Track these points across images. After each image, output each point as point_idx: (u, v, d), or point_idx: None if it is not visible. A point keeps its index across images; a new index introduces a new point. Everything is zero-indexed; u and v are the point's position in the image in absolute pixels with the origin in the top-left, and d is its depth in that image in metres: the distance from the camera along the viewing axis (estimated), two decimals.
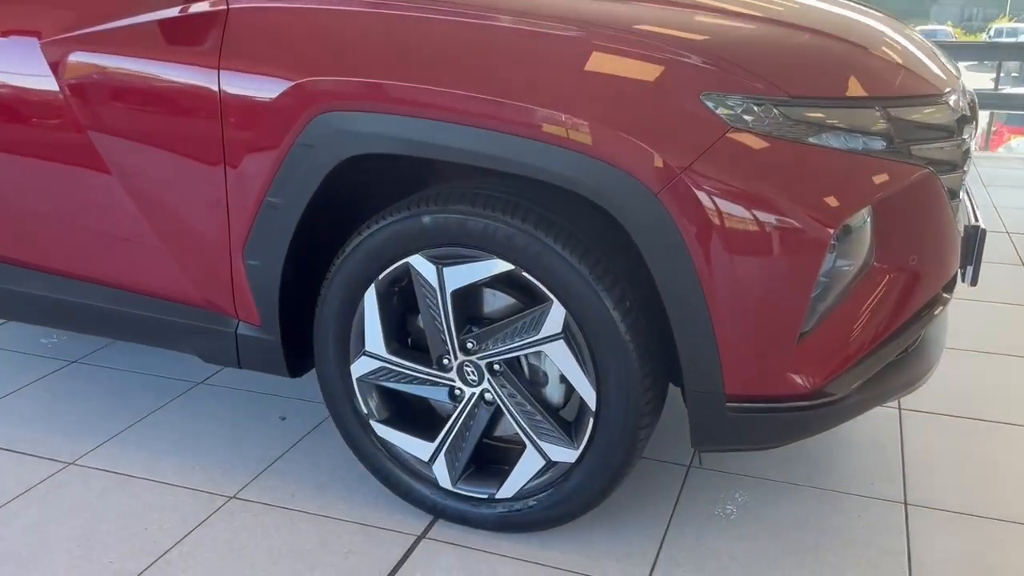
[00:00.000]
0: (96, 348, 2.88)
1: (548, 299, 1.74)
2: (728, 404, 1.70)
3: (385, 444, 1.98)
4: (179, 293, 2.09)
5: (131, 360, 2.80)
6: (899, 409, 2.51)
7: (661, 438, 2.32)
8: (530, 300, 1.79)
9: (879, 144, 1.67)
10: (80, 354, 2.84)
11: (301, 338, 2.04)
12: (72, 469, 2.20)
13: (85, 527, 1.97)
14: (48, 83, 2.03)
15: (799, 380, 1.70)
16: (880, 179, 1.67)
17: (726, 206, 1.59)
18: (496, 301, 1.86)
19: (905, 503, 2.08)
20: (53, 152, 2.09)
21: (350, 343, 1.93)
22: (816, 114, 1.63)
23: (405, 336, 1.95)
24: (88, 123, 2.00)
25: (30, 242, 2.23)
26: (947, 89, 1.85)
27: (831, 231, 1.62)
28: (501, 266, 1.75)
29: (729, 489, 2.13)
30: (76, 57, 1.99)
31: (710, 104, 1.58)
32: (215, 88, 1.86)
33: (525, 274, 1.73)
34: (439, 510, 1.98)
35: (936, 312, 1.91)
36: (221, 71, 1.86)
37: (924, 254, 1.81)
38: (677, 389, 1.86)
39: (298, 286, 1.99)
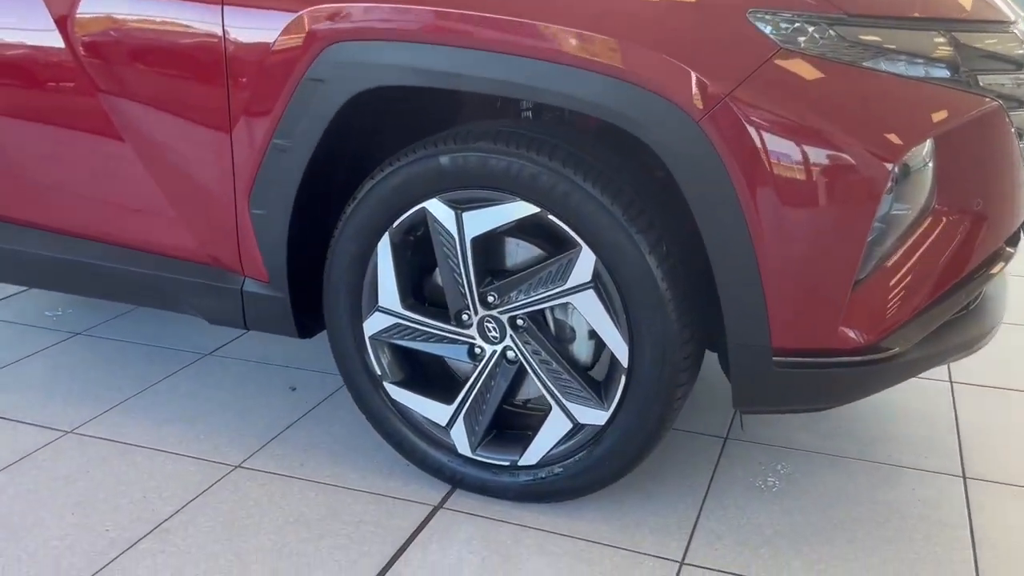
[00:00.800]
0: (102, 320, 2.77)
1: (576, 245, 1.59)
2: (774, 359, 1.55)
3: (399, 407, 1.84)
4: (180, 248, 1.96)
5: (137, 331, 2.69)
6: (950, 382, 2.34)
7: (694, 409, 2.17)
8: (556, 250, 1.65)
9: (943, 72, 1.52)
10: (85, 326, 2.73)
11: (311, 295, 1.90)
12: (70, 437, 2.08)
13: (81, 495, 1.85)
14: (42, 21, 1.91)
15: (852, 333, 1.55)
16: (943, 111, 1.51)
17: (774, 136, 1.44)
18: (519, 252, 1.72)
19: (964, 476, 1.91)
20: (43, 92, 1.97)
21: (362, 299, 1.80)
22: (874, 36, 1.47)
23: (421, 290, 1.82)
24: (83, 63, 1.89)
25: (21, 195, 2.11)
26: (1015, 19, 1.69)
27: (890, 166, 1.46)
28: (525, 209, 1.60)
29: (770, 461, 1.97)
30: None
31: (758, 22, 1.43)
32: (218, 24, 1.74)
33: (551, 217, 1.59)
34: (457, 479, 1.84)
35: (999, 267, 1.75)
36: (225, 6, 1.73)
37: (990, 198, 1.65)
38: (710, 356, 1.72)
39: (308, 238, 1.86)
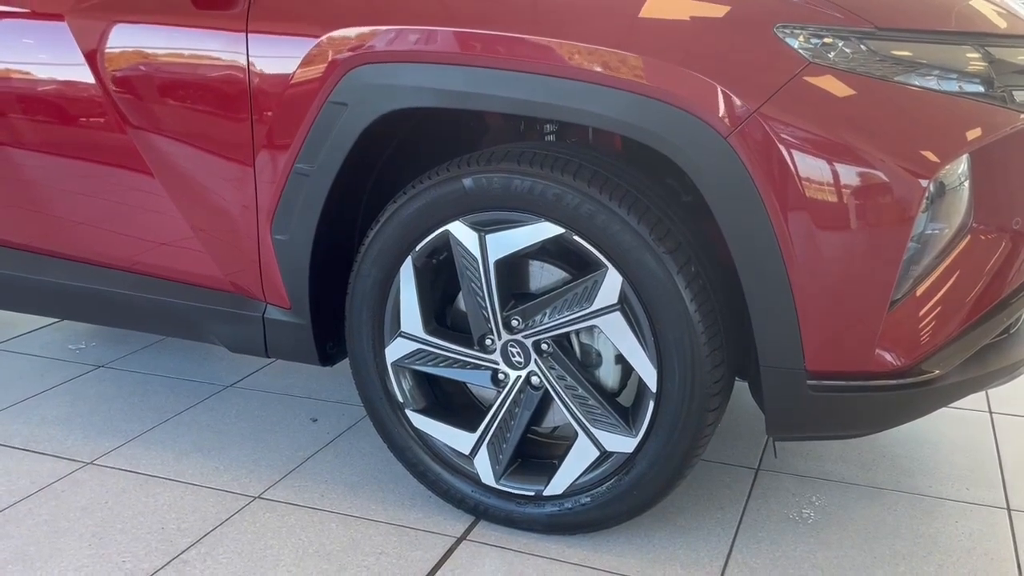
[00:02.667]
0: (124, 354, 2.76)
1: (602, 266, 1.56)
2: (809, 382, 1.50)
3: (421, 436, 1.80)
4: (202, 275, 1.95)
5: (158, 364, 2.67)
6: (989, 412, 2.26)
7: (724, 440, 2.11)
8: (581, 272, 1.62)
9: (977, 87, 1.48)
10: (107, 359, 2.72)
11: (333, 323, 1.88)
12: (90, 469, 2.06)
13: (98, 526, 1.82)
14: (70, 54, 1.93)
15: (889, 356, 1.50)
16: (979, 126, 1.48)
17: (804, 153, 1.41)
18: (544, 275, 1.69)
19: (1008, 508, 1.83)
20: (68, 121, 1.98)
21: (385, 324, 1.77)
22: (906, 50, 1.45)
23: (444, 315, 1.79)
24: (112, 96, 1.90)
25: (44, 225, 2.11)
26: None
27: (925, 184, 1.42)
28: (550, 230, 1.58)
29: (805, 492, 1.90)
30: (98, 25, 1.89)
31: (786, 37, 1.41)
32: (243, 52, 1.74)
33: (577, 238, 1.56)
34: (481, 510, 1.78)
35: None
36: (249, 34, 1.74)
37: None
38: (740, 385, 1.67)
39: (330, 264, 1.84)
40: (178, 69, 1.83)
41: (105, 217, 2.03)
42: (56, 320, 3.04)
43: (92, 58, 1.92)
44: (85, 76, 1.94)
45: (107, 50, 1.90)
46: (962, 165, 1.50)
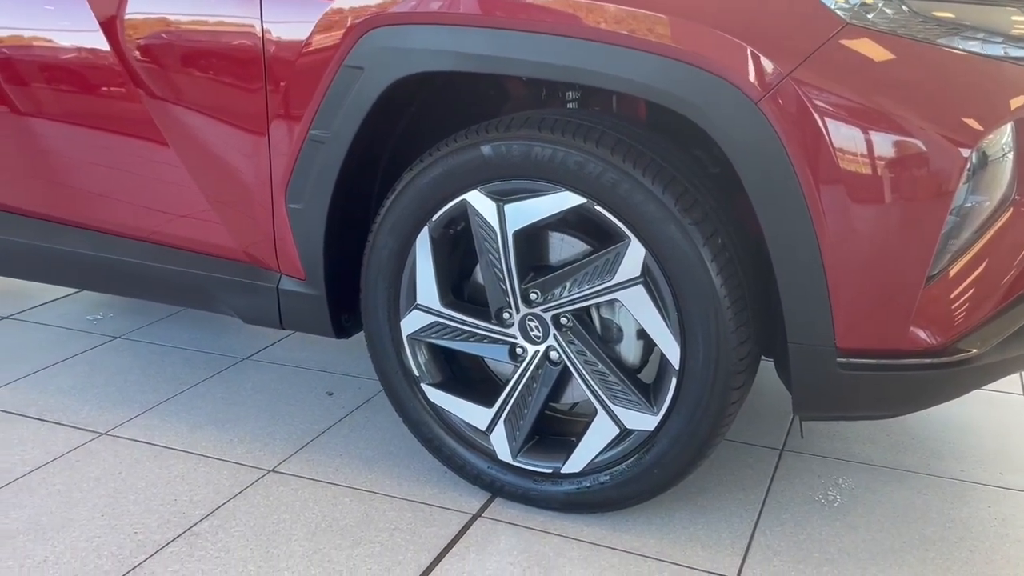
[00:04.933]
0: (140, 325, 2.74)
1: (625, 238, 1.50)
2: (839, 360, 1.44)
3: (437, 410, 1.76)
4: (217, 246, 1.92)
5: (174, 336, 2.65)
6: None
7: (748, 419, 2.06)
8: (603, 244, 1.56)
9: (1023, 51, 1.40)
10: (123, 330, 2.71)
11: (349, 294, 1.84)
12: (104, 439, 2.04)
13: (111, 497, 1.80)
14: (86, 21, 1.89)
15: (924, 334, 1.43)
16: None
17: (839, 119, 1.34)
18: (564, 247, 1.63)
19: None
20: (83, 89, 1.95)
21: (401, 296, 1.73)
22: (949, 11, 1.37)
23: (461, 288, 1.74)
24: (127, 64, 1.86)
25: (61, 194, 2.09)
26: None
27: (966, 153, 1.35)
28: (571, 199, 1.52)
29: (830, 474, 1.85)
30: None
31: None
32: (257, 16, 1.70)
33: (598, 208, 1.50)
34: (497, 487, 1.75)
35: None
36: None
37: None
38: (765, 364, 1.61)
39: (345, 234, 1.80)
40: (193, 36, 1.79)
41: (121, 187, 2.00)
42: (74, 291, 3.04)
43: (107, 25, 1.88)
44: (100, 43, 1.90)
45: (123, 17, 1.86)
46: (1006, 134, 1.42)
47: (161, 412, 2.17)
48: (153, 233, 2.00)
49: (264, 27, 1.69)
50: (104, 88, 1.95)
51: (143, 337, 2.65)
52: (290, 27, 1.67)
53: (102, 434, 2.07)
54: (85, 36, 1.93)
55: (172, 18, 1.81)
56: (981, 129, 1.37)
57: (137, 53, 1.85)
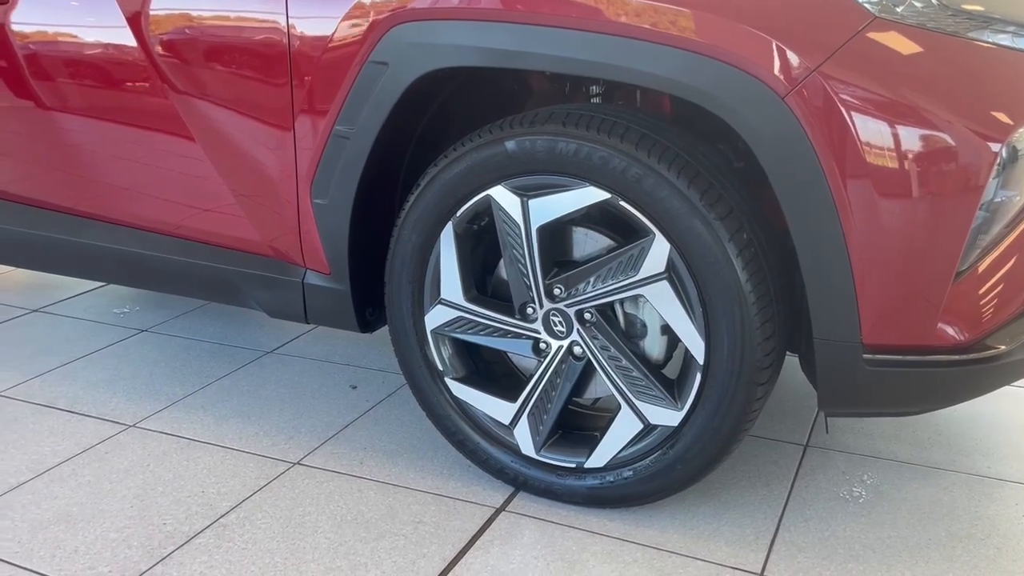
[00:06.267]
0: (167, 318, 2.78)
1: (649, 233, 1.50)
2: (865, 356, 1.43)
3: (461, 405, 1.77)
4: (243, 240, 1.94)
5: (201, 329, 2.68)
6: None
7: (771, 415, 2.05)
8: (627, 239, 1.56)
9: None
10: (150, 323, 2.74)
11: (373, 289, 1.85)
12: (132, 431, 2.07)
13: (140, 488, 1.83)
14: (112, 16, 1.92)
15: (952, 330, 1.42)
16: None
17: (867, 115, 1.33)
18: (588, 243, 1.63)
19: None
20: (109, 84, 1.97)
21: (425, 291, 1.74)
22: (979, 4, 1.36)
23: (485, 283, 1.75)
24: (153, 59, 1.88)
25: (88, 188, 2.11)
26: None
27: (996, 148, 1.34)
28: (595, 195, 1.52)
29: (855, 471, 1.84)
30: None
31: None
32: (282, 12, 1.71)
33: (623, 203, 1.50)
34: (521, 481, 1.75)
35: None
36: None
37: None
38: (789, 359, 1.61)
39: (370, 229, 1.81)
40: (219, 31, 1.80)
41: (147, 181, 2.03)
42: (100, 284, 3.07)
43: (134, 21, 1.90)
44: (127, 39, 1.92)
45: (148, 12, 1.88)
46: None
47: (188, 405, 2.20)
48: (179, 228, 2.02)
49: (289, 22, 1.70)
50: (130, 83, 1.97)
51: (169, 331, 2.69)
52: (315, 23, 1.68)
53: (130, 426, 2.09)
54: (112, 32, 1.95)
55: (196, 13, 1.82)
56: (1011, 123, 1.35)
57: (162, 48, 1.87)
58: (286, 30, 1.70)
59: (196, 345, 2.57)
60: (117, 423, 2.11)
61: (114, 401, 2.22)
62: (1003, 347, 1.43)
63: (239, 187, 1.88)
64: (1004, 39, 1.36)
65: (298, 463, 1.92)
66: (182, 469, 1.90)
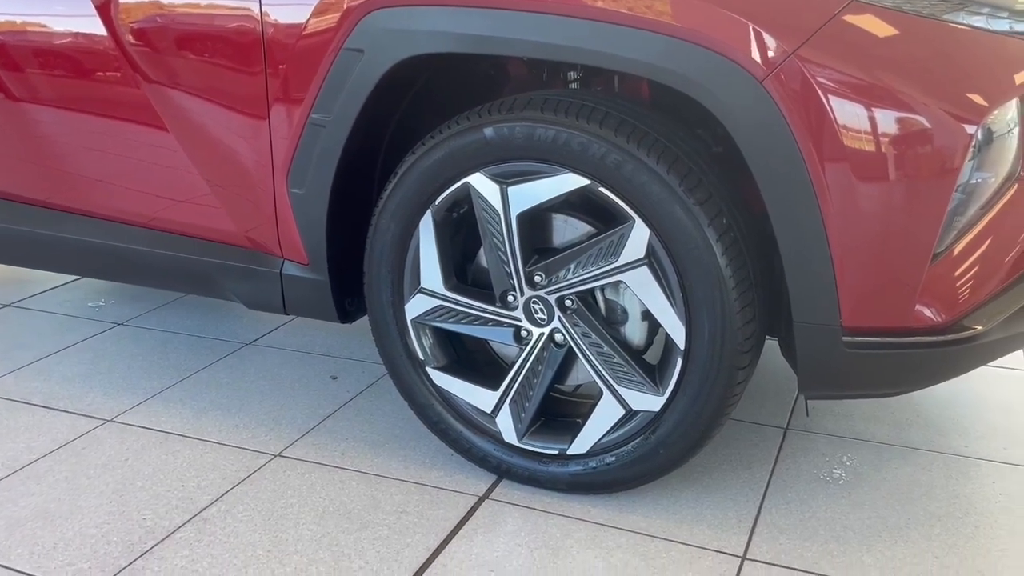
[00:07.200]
0: (143, 311, 2.74)
1: (629, 219, 1.50)
2: (845, 339, 1.44)
3: (443, 393, 1.76)
4: (220, 231, 1.91)
5: (177, 322, 2.65)
6: None
7: (752, 398, 2.06)
8: (607, 225, 1.56)
9: None
10: (126, 317, 2.71)
11: (353, 279, 1.84)
12: (110, 426, 2.05)
13: (119, 483, 1.81)
14: (82, 5, 1.88)
15: (930, 311, 1.43)
16: None
17: (845, 98, 1.33)
18: (568, 229, 1.63)
19: None
20: (80, 74, 1.94)
21: (404, 280, 1.72)
22: None
23: (465, 271, 1.74)
24: (124, 49, 1.85)
25: (61, 181, 2.08)
26: None
27: (972, 130, 1.34)
28: (575, 181, 1.51)
29: (835, 452, 1.86)
30: None
31: None
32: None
33: (603, 190, 1.50)
34: (503, 469, 1.75)
35: None
36: None
37: None
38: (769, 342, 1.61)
39: (348, 219, 1.79)
40: (190, 19, 1.78)
41: (121, 172, 2.00)
42: (75, 278, 3.03)
43: (104, 10, 1.87)
44: (97, 28, 1.89)
45: (119, 1, 1.85)
46: (1011, 110, 1.41)
47: (166, 398, 2.18)
48: (154, 220, 1.99)
49: (263, 10, 1.67)
50: (102, 73, 1.93)
51: (145, 324, 2.66)
52: (289, 9, 1.66)
53: (108, 421, 2.07)
54: (82, 21, 1.92)
55: (168, 1, 1.79)
56: (986, 105, 1.36)
57: (133, 37, 1.83)
58: (259, 17, 1.67)
59: (173, 338, 2.54)
60: (94, 418, 2.08)
61: (90, 396, 2.19)
62: (979, 327, 1.45)
63: (214, 177, 1.85)
64: (979, 21, 1.37)
65: (279, 455, 1.91)
66: (161, 463, 1.88)
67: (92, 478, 1.83)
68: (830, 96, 1.33)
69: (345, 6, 1.58)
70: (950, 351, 1.45)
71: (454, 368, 1.76)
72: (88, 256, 2.10)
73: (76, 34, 1.93)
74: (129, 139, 1.95)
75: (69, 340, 2.54)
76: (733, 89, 1.35)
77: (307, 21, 1.62)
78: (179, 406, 2.13)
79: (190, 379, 2.28)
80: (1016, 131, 1.43)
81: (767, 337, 1.61)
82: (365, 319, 1.84)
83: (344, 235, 1.80)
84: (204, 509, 1.71)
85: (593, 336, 1.60)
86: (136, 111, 1.90)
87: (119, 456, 1.91)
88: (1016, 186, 1.46)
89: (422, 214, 1.66)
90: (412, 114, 1.79)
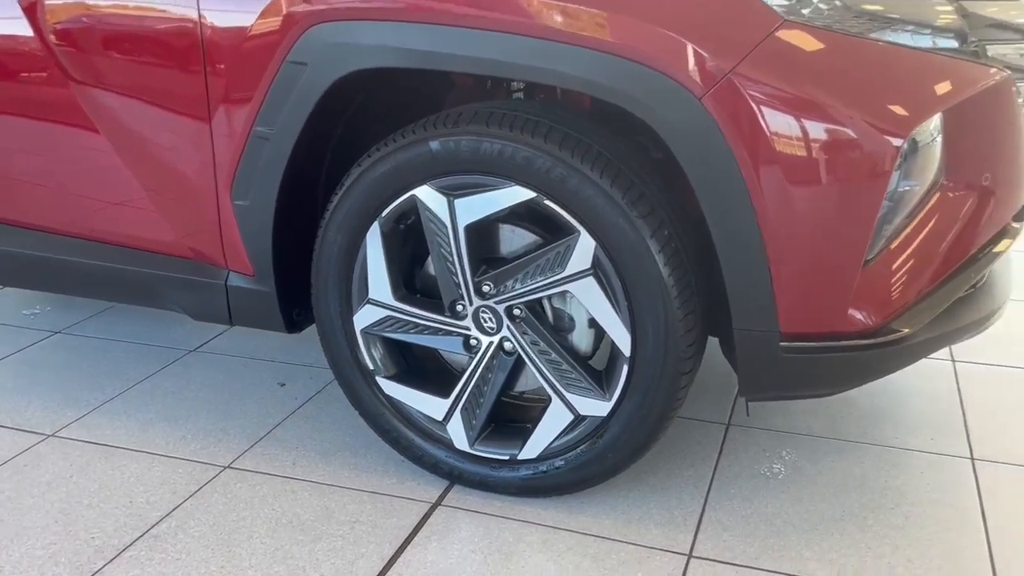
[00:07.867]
0: (81, 318, 2.68)
1: (575, 231, 1.53)
2: (782, 344, 1.49)
3: (394, 402, 1.78)
4: (162, 242, 1.89)
5: (118, 329, 2.60)
6: (952, 361, 2.30)
7: (694, 395, 2.12)
8: (554, 236, 1.59)
9: (951, 42, 1.46)
10: (63, 325, 2.65)
11: (300, 289, 1.83)
12: (52, 441, 2.01)
13: (64, 502, 1.78)
14: (8, 7, 1.83)
15: (861, 316, 1.50)
16: (952, 83, 1.46)
17: (779, 113, 1.38)
18: (515, 240, 1.65)
19: (972, 458, 1.87)
20: (6, 76, 1.88)
21: (352, 291, 1.73)
22: (879, 5, 1.42)
23: (413, 281, 1.75)
24: (53, 51, 1.80)
25: None
26: None
27: (899, 142, 1.41)
28: (521, 194, 1.54)
29: (775, 447, 1.93)
30: None
31: None
32: (194, 6, 1.66)
33: (548, 202, 1.52)
34: (456, 475, 1.78)
35: (1007, 243, 1.70)
36: None
37: (998, 173, 1.60)
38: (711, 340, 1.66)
39: (294, 229, 1.78)
40: (122, 20, 1.74)
41: (53, 179, 1.95)
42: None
43: (31, 11, 1.82)
44: (23, 30, 1.84)
45: (47, 1, 1.80)
46: (935, 121, 1.49)
47: (109, 410, 2.14)
48: (93, 231, 1.95)
49: (202, 20, 1.65)
50: (32, 76, 1.88)
51: (85, 331, 2.60)
52: (230, 20, 1.64)
53: (49, 436, 2.03)
54: (8, 24, 1.86)
55: (99, 5, 1.75)
56: (912, 118, 1.42)
57: (62, 41, 1.79)
58: (199, 30, 1.65)
59: (114, 346, 2.50)
60: (34, 433, 2.04)
61: (30, 410, 2.14)
62: (906, 330, 1.52)
63: (154, 186, 1.82)
64: (904, 38, 1.43)
65: (229, 467, 1.90)
66: (107, 479, 1.86)
67: (36, 497, 1.80)
68: (765, 112, 1.38)
69: (288, 18, 1.57)
70: (881, 353, 1.52)
71: (404, 377, 1.78)
72: (23, 267, 2.05)
73: (1, 36, 1.88)
74: (60, 144, 1.90)
75: (4, 351, 2.47)
76: (672, 105, 1.39)
77: (248, 33, 1.61)
78: (123, 418, 2.10)
79: (133, 389, 2.25)
80: (939, 140, 1.50)
81: (709, 336, 1.66)
82: (312, 325, 1.84)
83: (290, 246, 1.79)
84: (154, 526, 1.70)
85: (541, 344, 1.63)
86: (66, 114, 1.86)
87: (63, 473, 1.88)
88: (939, 194, 1.53)
89: (369, 226, 1.66)
90: (355, 125, 1.79)
